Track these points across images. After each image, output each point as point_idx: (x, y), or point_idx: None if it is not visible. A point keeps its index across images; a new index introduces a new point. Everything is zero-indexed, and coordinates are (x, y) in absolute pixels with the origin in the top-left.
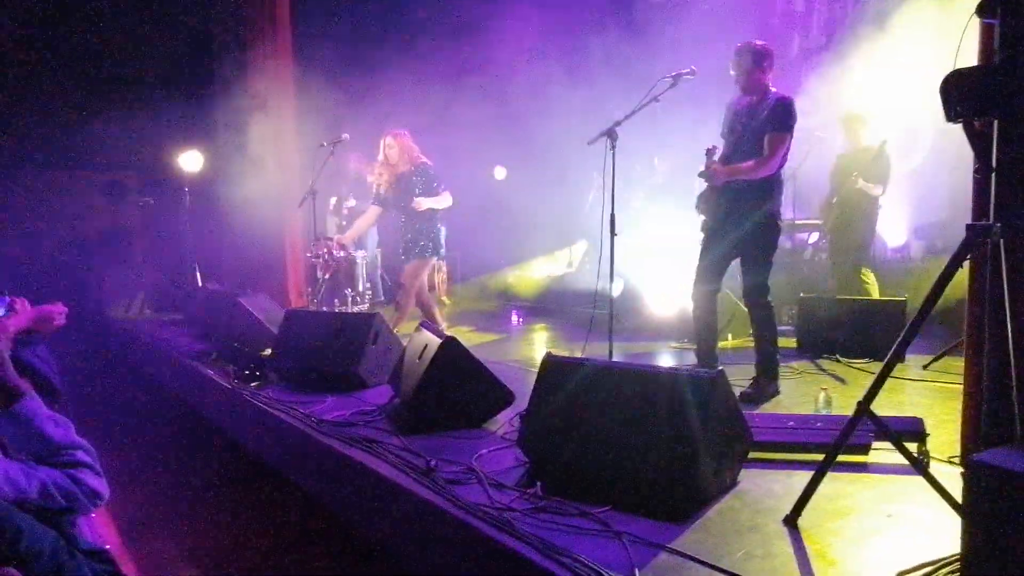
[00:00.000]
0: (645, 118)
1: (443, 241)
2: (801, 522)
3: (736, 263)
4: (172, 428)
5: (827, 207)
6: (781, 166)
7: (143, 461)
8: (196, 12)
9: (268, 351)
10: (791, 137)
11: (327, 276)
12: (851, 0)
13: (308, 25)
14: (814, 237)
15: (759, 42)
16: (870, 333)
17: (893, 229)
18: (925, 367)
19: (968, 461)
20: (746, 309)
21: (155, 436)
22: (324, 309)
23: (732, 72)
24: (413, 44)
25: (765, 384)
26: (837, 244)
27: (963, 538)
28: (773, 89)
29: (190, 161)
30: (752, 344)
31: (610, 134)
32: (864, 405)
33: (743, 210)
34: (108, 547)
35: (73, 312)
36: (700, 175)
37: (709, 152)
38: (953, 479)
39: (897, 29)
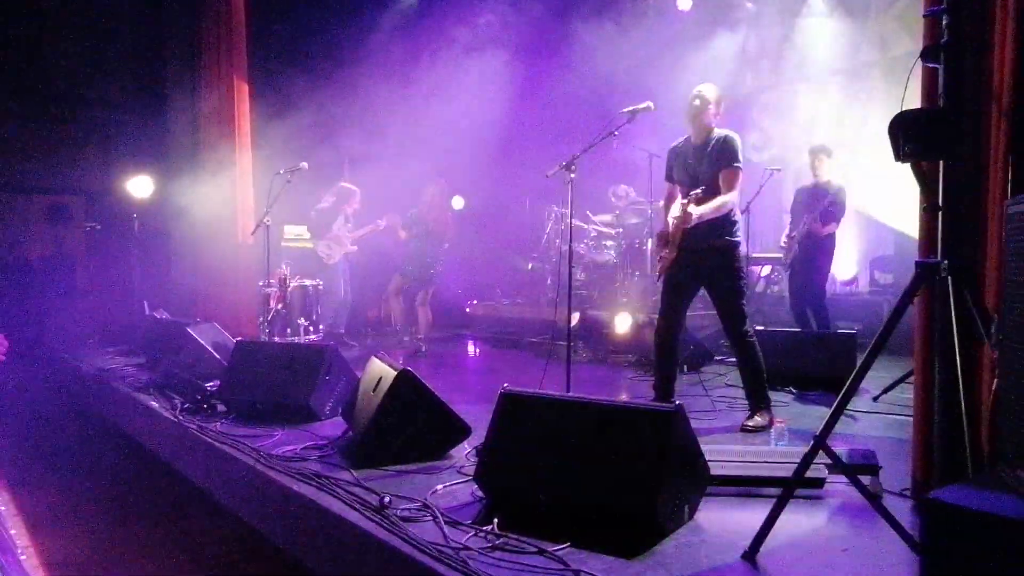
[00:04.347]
0: (601, 151)
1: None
2: (759, 557)
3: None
4: (115, 463)
5: (788, 241)
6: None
7: (84, 499)
8: (147, 32)
9: (217, 382)
10: (741, 170)
11: (279, 306)
12: (800, 43)
13: (265, 49)
14: (767, 270)
15: (711, 85)
16: (823, 365)
17: (843, 263)
18: (876, 399)
19: (925, 499)
20: (729, 344)
21: (96, 472)
22: (276, 339)
23: (687, 113)
24: (371, 73)
25: (762, 415)
26: (796, 278)
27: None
28: (715, 128)
29: (139, 187)
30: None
31: (568, 167)
32: (820, 440)
33: (700, 240)
34: None
35: (11, 342)
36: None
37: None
38: (906, 511)
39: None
